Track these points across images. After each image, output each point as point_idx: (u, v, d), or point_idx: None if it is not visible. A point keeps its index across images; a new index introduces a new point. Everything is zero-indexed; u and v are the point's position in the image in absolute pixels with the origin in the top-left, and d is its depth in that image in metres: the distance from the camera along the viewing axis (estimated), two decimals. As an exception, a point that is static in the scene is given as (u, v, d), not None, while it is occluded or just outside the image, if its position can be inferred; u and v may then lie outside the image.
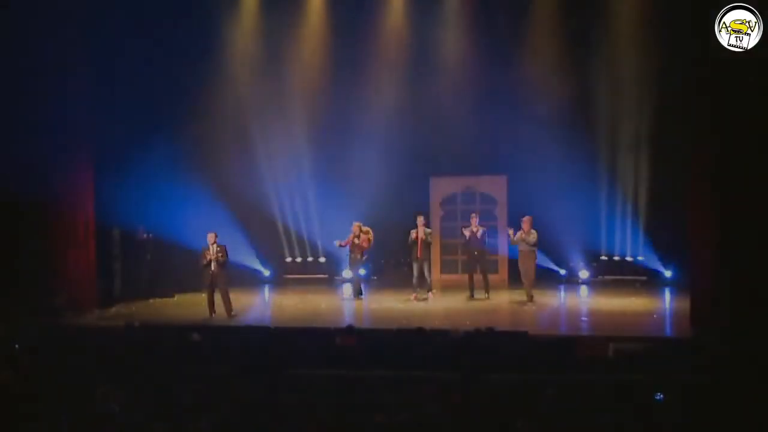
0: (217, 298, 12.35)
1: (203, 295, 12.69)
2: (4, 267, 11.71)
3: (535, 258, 13.41)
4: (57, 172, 12.46)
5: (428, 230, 13.87)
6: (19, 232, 12.08)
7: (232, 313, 12.32)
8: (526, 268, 13.29)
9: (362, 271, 14.62)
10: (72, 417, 5.58)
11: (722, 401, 6.20)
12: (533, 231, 13.26)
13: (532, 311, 12.66)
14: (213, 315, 12.30)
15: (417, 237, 13.51)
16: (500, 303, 13.24)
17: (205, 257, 12.29)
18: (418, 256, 13.58)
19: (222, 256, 12.31)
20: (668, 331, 11.23)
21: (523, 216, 13.48)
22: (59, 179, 12.54)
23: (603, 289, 15.03)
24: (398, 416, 6.02)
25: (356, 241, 13.89)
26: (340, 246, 14.22)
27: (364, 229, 14.07)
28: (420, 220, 13.74)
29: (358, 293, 14.08)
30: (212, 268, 12.23)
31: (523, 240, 13.19)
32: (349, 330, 9.52)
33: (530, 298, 13.25)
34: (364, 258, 14.32)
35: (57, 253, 12.59)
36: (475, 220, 13.89)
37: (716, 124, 10.21)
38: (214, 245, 12.30)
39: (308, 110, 16.23)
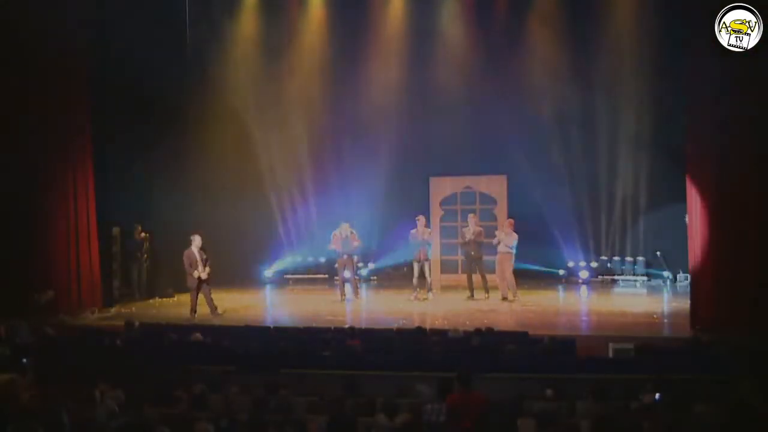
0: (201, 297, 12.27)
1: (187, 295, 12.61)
2: (5, 268, 11.68)
3: (512, 260, 13.41)
4: (57, 171, 12.46)
5: (428, 230, 13.89)
6: (20, 232, 12.04)
7: (218, 311, 12.25)
8: (502, 269, 13.32)
9: (362, 272, 14.60)
10: (72, 417, 5.58)
11: (723, 402, 6.19)
12: (513, 234, 13.32)
13: (532, 311, 12.64)
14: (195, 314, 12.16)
15: (420, 238, 13.51)
16: (500, 303, 13.22)
17: (197, 259, 12.11)
18: (421, 257, 13.58)
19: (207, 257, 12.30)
20: (668, 331, 11.22)
21: (509, 218, 13.82)
22: (59, 178, 12.54)
23: (603, 289, 15.03)
24: (398, 416, 6.02)
25: (346, 243, 13.77)
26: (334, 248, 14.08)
27: (352, 231, 13.99)
28: (421, 220, 13.73)
29: (355, 293, 14.06)
30: (201, 268, 12.10)
31: (502, 241, 13.24)
32: (350, 330, 9.53)
33: (514, 295, 13.29)
34: (355, 259, 14.31)
35: (59, 252, 12.56)
36: (472, 221, 13.87)
37: (716, 124, 10.21)
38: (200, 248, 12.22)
39: (308, 110, 16.23)
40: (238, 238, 15.86)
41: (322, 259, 17.07)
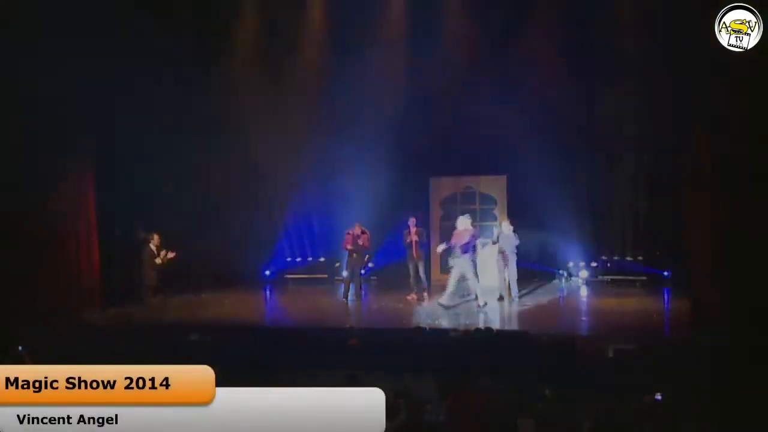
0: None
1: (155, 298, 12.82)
2: (5, 268, 11.68)
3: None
4: (57, 171, 12.47)
5: (421, 230, 13.93)
6: (20, 232, 12.04)
7: None
8: (507, 268, 13.33)
9: (362, 272, 14.60)
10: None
11: (722, 401, 6.21)
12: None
13: (532, 311, 12.64)
14: None
15: (411, 239, 13.57)
16: (500, 303, 13.22)
17: (158, 258, 12.43)
18: (414, 256, 13.63)
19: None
20: (668, 331, 11.22)
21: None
22: (60, 179, 12.55)
23: (603, 289, 15.03)
24: (398, 416, 6.02)
25: (359, 242, 13.85)
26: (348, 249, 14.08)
27: (364, 229, 14.06)
28: (412, 221, 13.79)
29: (357, 293, 14.05)
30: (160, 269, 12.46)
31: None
32: (350, 330, 9.54)
33: (513, 296, 13.32)
34: (366, 258, 14.33)
35: (59, 252, 12.57)
36: (467, 222, 13.86)
37: (716, 124, 10.21)
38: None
39: (307, 109, 16.22)
40: (237, 238, 15.86)
41: (322, 259, 17.08)
